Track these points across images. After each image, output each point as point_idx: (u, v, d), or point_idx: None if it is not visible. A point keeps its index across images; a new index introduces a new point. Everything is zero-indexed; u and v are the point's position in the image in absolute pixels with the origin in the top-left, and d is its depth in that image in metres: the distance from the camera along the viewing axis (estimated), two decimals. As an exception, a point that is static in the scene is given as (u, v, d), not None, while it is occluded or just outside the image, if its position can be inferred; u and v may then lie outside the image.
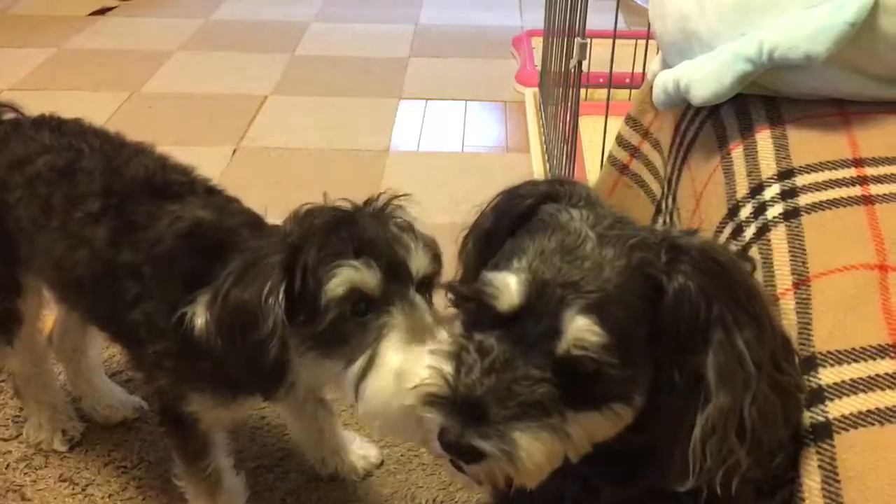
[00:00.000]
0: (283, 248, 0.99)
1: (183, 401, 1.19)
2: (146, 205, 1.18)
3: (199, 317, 1.01)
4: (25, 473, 1.53)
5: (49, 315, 1.59)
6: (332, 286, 0.94)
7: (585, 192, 0.86)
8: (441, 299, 0.95)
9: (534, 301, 0.74)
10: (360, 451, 1.54)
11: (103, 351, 1.76)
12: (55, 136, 1.30)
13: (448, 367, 0.76)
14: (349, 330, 0.96)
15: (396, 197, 1.04)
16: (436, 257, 1.02)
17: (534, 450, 0.73)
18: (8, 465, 1.54)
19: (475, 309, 0.80)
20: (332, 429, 1.50)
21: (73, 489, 1.49)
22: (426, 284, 1.01)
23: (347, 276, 0.94)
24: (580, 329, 0.72)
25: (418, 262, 0.99)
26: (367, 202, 1.04)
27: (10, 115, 1.41)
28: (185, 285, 1.08)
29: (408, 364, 0.90)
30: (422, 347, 0.90)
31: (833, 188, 0.98)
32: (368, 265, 0.95)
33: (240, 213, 1.20)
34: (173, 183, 1.22)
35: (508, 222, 0.86)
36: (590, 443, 0.78)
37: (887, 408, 0.75)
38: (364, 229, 0.98)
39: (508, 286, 0.75)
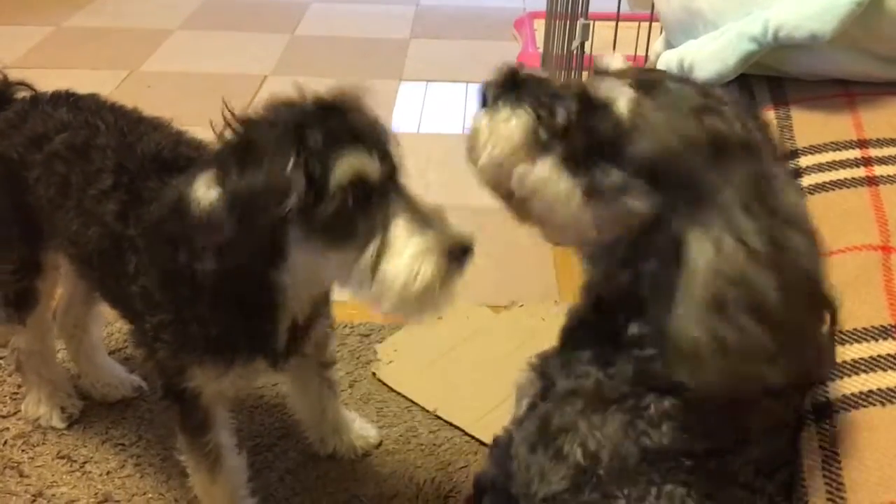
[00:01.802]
0: (287, 127, 0.96)
1: (183, 375, 1.18)
2: (154, 180, 1.18)
3: (207, 193, 0.95)
4: (23, 450, 1.53)
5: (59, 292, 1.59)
6: (340, 172, 0.93)
7: None
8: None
9: None
10: (360, 430, 1.54)
11: (104, 329, 1.76)
12: (72, 113, 1.29)
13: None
14: (354, 218, 0.96)
15: (359, 89, 1.04)
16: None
17: (512, 124, 0.81)
18: (5, 442, 1.54)
19: None
20: (335, 408, 1.50)
21: (71, 466, 1.49)
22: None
23: (353, 164, 0.94)
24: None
25: (398, 153, 1.01)
26: (336, 93, 1.03)
27: (23, 94, 1.39)
28: (172, 253, 1.07)
29: (422, 245, 0.93)
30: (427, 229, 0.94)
31: (837, 169, 0.97)
32: (370, 153, 0.96)
33: None
34: (181, 157, 1.21)
35: None
36: (577, 227, 0.80)
37: (889, 388, 0.75)
38: (356, 118, 0.99)
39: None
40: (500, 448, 1.00)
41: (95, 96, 1.36)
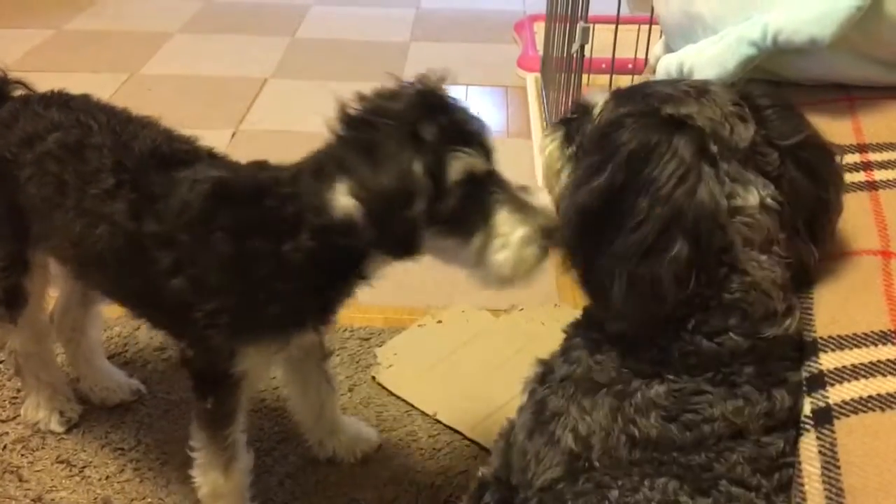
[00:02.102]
0: (404, 128, 1.03)
1: (234, 359, 1.20)
2: (158, 175, 1.21)
3: (346, 202, 1.03)
4: (22, 455, 1.52)
5: (53, 294, 1.58)
6: (454, 170, 1.02)
7: None
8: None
9: None
10: (359, 434, 1.54)
11: (103, 332, 1.76)
12: (64, 113, 1.30)
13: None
14: (465, 209, 1.05)
15: (439, 78, 1.13)
16: None
17: (549, 144, 1.01)
18: (5, 447, 1.54)
19: None
20: (333, 407, 1.50)
21: (71, 470, 1.49)
22: None
23: (466, 161, 1.03)
24: None
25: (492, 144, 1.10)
26: (423, 82, 1.11)
27: (19, 92, 1.40)
28: (231, 240, 1.13)
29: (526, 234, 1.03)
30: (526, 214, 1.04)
31: (837, 173, 0.97)
32: (477, 151, 1.05)
33: (248, 168, 1.23)
34: (179, 152, 1.25)
35: None
36: None
37: (888, 394, 0.75)
38: (459, 115, 1.08)
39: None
40: (503, 438, 1.01)
41: (86, 96, 1.37)
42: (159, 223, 1.18)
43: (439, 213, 1.03)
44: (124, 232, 1.20)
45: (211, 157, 1.28)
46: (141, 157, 1.23)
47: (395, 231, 1.04)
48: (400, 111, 1.04)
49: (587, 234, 0.84)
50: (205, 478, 1.33)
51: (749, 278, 0.80)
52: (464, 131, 1.05)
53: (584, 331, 0.92)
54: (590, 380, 0.86)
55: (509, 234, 1.04)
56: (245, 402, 1.29)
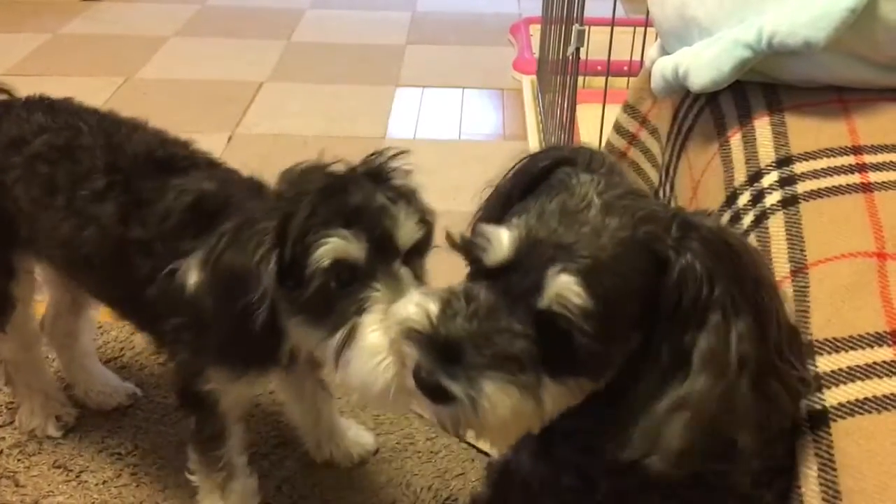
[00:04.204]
0: (276, 214, 0.98)
1: (201, 377, 1.17)
2: (152, 180, 1.19)
3: (192, 275, 1.01)
4: (19, 460, 1.52)
5: (41, 300, 1.58)
6: (318, 256, 0.94)
7: (609, 161, 0.85)
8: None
9: (522, 257, 0.74)
10: (356, 437, 1.54)
11: (97, 338, 1.76)
12: (49, 116, 1.29)
13: (434, 307, 0.76)
14: (333, 300, 0.96)
15: (394, 156, 1.07)
16: (425, 223, 1.03)
17: (499, 402, 0.72)
18: (1, 452, 1.53)
19: (471, 260, 0.80)
20: (330, 412, 1.50)
21: (67, 475, 1.49)
22: (416, 252, 1.01)
23: (333, 247, 0.94)
24: (562, 286, 0.71)
25: (406, 234, 0.99)
26: (366, 161, 1.06)
27: (1, 97, 1.39)
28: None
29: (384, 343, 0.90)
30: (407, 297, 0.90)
31: (832, 175, 0.97)
32: (357, 237, 0.95)
33: (241, 182, 1.20)
34: (176, 157, 1.23)
35: (523, 184, 0.86)
36: (557, 411, 0.78)
37: (885, 395, 0.75)
38: (354, 198, 0.98)
39: (500, 240, 0.75)
40: (494, 470, 1.00)
41: (69, 100, 1.36)
42: (144, 229, 1.16)
43: (297, 301, 0.97)
44: (110, 236, 1.18)
45: (209, 164, 1.26)
46: (135, 159, 1.21)
47: (238, 308, 0.97)
48: (301, 191, 0.99)
49: None
50: (205, 502, 1.32)
51: None
52: (353, 217, 0.96)
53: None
54: None
55: (369, 337, 0.93)
56: (235, 425, 1.26)
